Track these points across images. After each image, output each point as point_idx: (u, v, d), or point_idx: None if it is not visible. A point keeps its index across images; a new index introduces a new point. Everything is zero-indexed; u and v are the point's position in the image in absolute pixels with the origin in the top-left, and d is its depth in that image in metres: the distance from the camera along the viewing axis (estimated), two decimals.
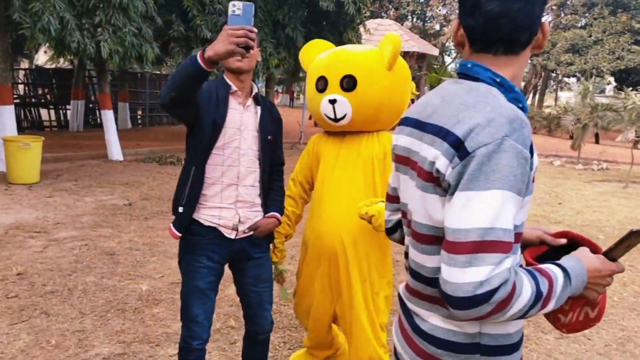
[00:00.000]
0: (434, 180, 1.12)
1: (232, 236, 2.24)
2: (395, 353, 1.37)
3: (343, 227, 2.50)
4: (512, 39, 1.14)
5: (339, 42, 12.26)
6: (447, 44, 35.59)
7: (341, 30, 12.32)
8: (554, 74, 31.55)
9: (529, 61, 28.70)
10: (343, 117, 2.47)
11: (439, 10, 33.11)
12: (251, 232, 2.28)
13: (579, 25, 27.55)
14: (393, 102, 2.57)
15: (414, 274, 1.24)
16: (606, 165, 13.27)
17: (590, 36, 24.92)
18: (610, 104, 13.96)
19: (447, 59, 37.96)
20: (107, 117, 10.34)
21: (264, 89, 16.32)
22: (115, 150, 10.38)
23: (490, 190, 1.01)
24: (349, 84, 2.44)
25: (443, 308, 1.18)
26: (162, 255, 4.88)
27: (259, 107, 2.30)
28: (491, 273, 0.99)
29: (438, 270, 1.12)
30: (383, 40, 2.61)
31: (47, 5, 7.22)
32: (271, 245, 2.51)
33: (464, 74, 1.19)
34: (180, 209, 2.18)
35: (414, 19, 34.36)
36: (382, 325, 2.60)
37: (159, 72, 19.97)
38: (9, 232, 5.36)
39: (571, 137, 13.23)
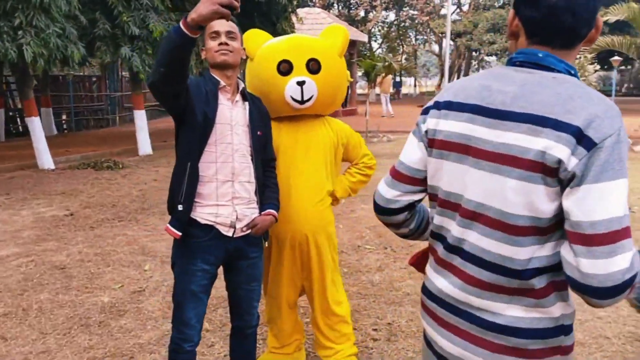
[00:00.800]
0: (545, 171, 1.07)
1: (230, 234, 2.18)
2: (443, 357, 1.31)
3: (314, 212, 2.61)
4: (573, 33, 1.16)
5: (272, 32, 12.07)
6: (372, 30, 36.08)
7: (274, 20, 12.19)
8: (475, 54, 32.79)
9: (453, 43, 29.43)
10: (309, 99, 2.53)
11: None
12: (248, 231, 2.23)
13: (498, 5, 28.69)
14: (344, 85, 2.82)
15: (492, 267, 1.17)
16: None
17: None
18: None
19: (375, 45, 38.52)
20: (34, 124, 9.75)
21: None
22: (45, 158, 9.82)
23: (618, 179, 1.03)
24: (314, 66, 2.54)
25: (527, 298, 1.16)
26: (118, 264, 4.68)
27: (247, 103, 2.27)
28: (632, 258, 1.03)
29: (531, 261, 1.13)
30: (330, 31, 2.79)
31: None
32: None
33: (532, 62, 1.18)
34: (180, 207, 2.10)
35: (340, 7, 34.56)
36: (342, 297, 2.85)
37: (81, 74, 19.01)
38: None
39: None
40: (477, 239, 1.19)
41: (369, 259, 4.77)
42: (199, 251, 2.17)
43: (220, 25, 2.14)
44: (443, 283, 1.28)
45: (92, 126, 18.28)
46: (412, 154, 1.37)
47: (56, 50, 8.35)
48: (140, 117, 11.70)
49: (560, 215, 1.10)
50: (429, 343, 1.37)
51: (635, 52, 12.46)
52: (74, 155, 11.10)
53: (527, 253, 1.13)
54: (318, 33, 2.90)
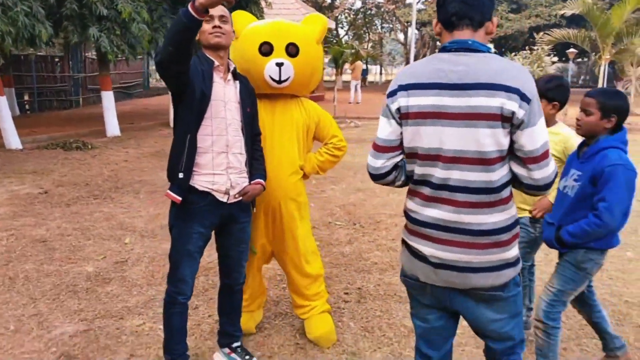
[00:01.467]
0: (503, 119, 1.60)
1: (224, 200, 2.44)
2: (441, 264, 1.76)
3: (287, 183, 2.90)
4: (476, 22, 1.70)
5: None
6: (339, 17, 36.22)
7: (243, 5, 12.27)
8: (440, 44, 33.38)
9: (418, 32, 29.75)
10: (286, 80, 2.79)
11: None
12: (240, 198, 2.49)
13: None
14: (319, 69, 3.09)
15: (478, 190, 1.68)
16: None
17: None
18: None
19: (341, 32, 38.70)
20: (1, 104, 9.64)
21: None
22: (12, 138, 9.73)
23: (542, 118, 1.65)
24: (293, 50, 2.79)
25: (500, 206, 1.71)
26: (98, 238, 4.86)
27: (237, 82, 2.50)
28: (554, 163, 1.71)
29: (500, 179, 1.68)
30: (311, 19, 3.05)
31: None
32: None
33: (465, 48, 1.68)
34: (181, 175, 2.34)
35: None
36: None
37: (44, 54, 18.57)
38: None
39: None
40: (460, 175, 1.68)
41: (339, 233, 5.08)
42: (197, 215, 2.42)
43: (214, 9, 2.35)
44: (435, 212, 1.75)
45: (55, 107, 17.92)
46: (385, 130, 1.81)
47: (24, 29, 8.29)
48: (107, 98, 11.66)
49: (510, 146, 1.65)
50: (423, 259, 1.81)
51: (589, 44, 13.11)
52: (40, 136, 11.01)
53: (498, 175, 1.67)
54: (286, 18, 3.16)
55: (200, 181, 2.39)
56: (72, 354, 2.92)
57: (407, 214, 1.86)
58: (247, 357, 2.76)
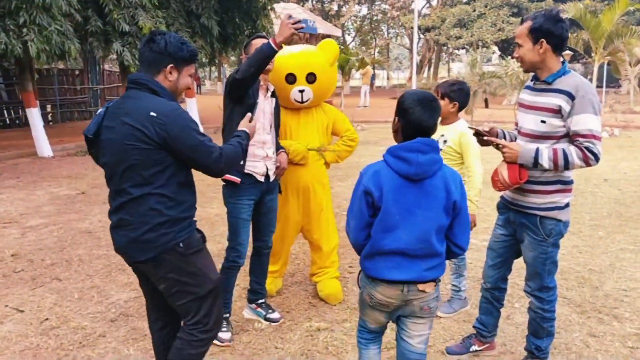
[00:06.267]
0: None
1: (262, 179, 3.19)
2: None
3: (313, 168, 3.68)
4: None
5: (252, 28, 13.04)
6: (346, 24, 37.00)
7: (254, 17, 13.03)
8: (445, 48, 34.01)
9: (422, 37, 30.20)
10: (307, 100, 3.59)
11: None
12: (274, 177, 3.26)
13: (464, 1, 29.92)
14: (334, 85, 3.90)
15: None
16: (494, 125, 15.08)
17: (475, 11, 27.31)
18: (495, 72, 15.80)
19: (348, 38, 39.46)
20: (33, 114, 10.47)
21: None
22: (44, 147, 10.55)
23: None
24: (311, 78, 3.57)
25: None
26: None
27: (274, 99, 3.29)
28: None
29: None
30: (325, 45, 3.80)
31: None
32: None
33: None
34: (241, 162, 3.05)
35: (314, 1, 35.38)
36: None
37: (64, 68, 19.50)
38: None
39: None
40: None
41: (344, 221, 5.75)
42: (244, 191, 3.17)
43: None
44: None
45: (76, 118, 18.81)
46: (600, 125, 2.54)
47: (56, 46, 9.09)
48: None
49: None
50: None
51: (582, 47, 13.72)
52: (69, 144, 11.82)
53: None
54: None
55: (246, 166, 3.13)
56: (129, 313, 3.63)
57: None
58: (269, 310, 3.46)
